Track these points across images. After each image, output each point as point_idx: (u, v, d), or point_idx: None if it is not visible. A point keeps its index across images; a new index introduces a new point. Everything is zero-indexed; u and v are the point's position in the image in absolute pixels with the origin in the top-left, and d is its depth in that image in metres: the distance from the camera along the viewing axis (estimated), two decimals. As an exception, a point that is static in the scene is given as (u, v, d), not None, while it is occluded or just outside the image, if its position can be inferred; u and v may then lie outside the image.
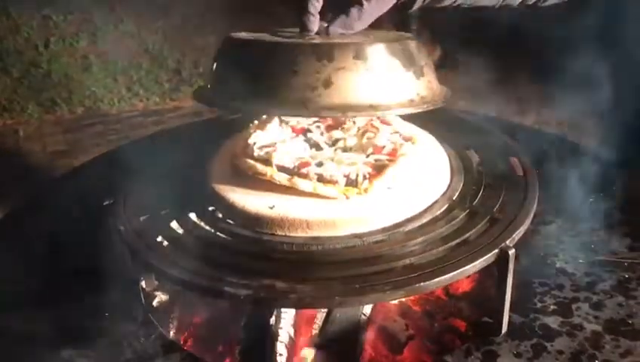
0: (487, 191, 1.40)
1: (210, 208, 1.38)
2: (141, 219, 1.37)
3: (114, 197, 1.44)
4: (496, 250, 1.22)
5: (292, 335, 1.41)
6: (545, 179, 1.52)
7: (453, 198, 1.38)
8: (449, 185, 1.41)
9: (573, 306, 1.35)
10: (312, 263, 1.22)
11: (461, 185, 1.42)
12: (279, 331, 1.39)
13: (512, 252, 1.21)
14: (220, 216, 1.35)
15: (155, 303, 1.48)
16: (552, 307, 1.35)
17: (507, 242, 1.24)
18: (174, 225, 1.35)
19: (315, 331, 1.43)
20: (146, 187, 1.47)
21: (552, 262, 1.49)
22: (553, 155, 1.83)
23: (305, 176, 1.32)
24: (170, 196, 1.44)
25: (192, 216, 1.37)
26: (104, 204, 1.42)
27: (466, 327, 1.47)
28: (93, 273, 1.46)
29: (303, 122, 1.54)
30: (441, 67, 4.59)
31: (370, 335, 1.43)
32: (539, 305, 1.36)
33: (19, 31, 5.06)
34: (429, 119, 1.67)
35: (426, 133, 1.56)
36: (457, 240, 1.25)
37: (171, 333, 1.52)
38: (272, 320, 1.40)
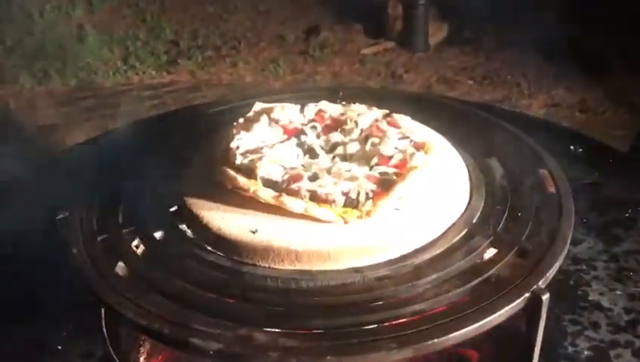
0: (514, 213, 1.13)
1: (182, 227, 1.12)
2: (99, 238, 1.11)
3: (69, 208, 1.17)
4: (527, 294, 0.96)
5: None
6: (572, 187, 1.25)
7: (473, 221, 1.11)
8: (468, 205, 1.14)
9: (612, 353, 1.10)
10: (301, 306, 0.97)
11: (482, 204, 1.15)
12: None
13: (545, 297, 0.96)
14: (193, 237, 1.10)
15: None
16: (586, 352, 1.11)
17: (540, 283, 0.98)
18: (138, 248, 1.09)
19: None
20: (109, 196, 1.21)
21: (584, 293, 1.23)
22: (581, 159, 1.57)
23: (295, 194, 1.06)
24: (135, 209, 1.18)
25: (160, 236, 1.11)
26: (57, 217, 1.16)
27: (478, 358, 1.24)
28: (46, 294, 1.21)
29: (297, 122, 1.27)
30: (449, 45, 4.31)
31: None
32: (570, 349, 1.12)
33: (14, -2, 4.76)
34: (442, 118, 1.41)
35: (440, 137, 1.29)
36: (479, 279, 0.99)
37: (141, 359, 1.29)
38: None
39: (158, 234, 1.11)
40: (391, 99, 1.53)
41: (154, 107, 3.87)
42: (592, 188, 1.45)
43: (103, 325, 1.14)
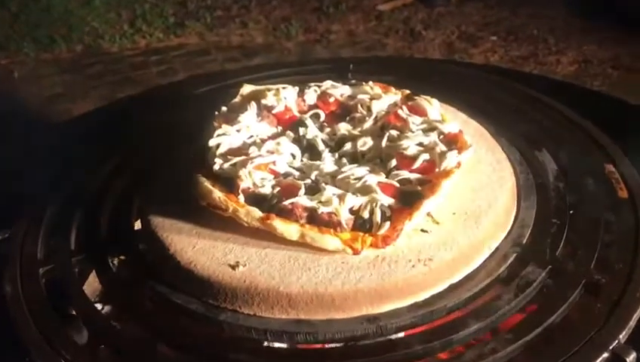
0: (576, 229, 0.83)
1: (145, 254, 0.84)
2: (41, 271, 0.83)
3: (12, 227, 0.90)
4: (605, 354, 0.67)
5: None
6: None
7: (523, 242, 0.82)
8: (515, 219, 0.85)
9: None
10: (296, 373, 0.69)
11: (533, 216, 0.85)
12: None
13: (631, 358, 0.67)
14: (158, 270, 0.82)
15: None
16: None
17: (621, 337, 0.69)
18: (87, 282, 0.82)
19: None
20: (63, 207, 0.94)
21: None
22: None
23: (289, 214, 0.77)
24: (92, 227, 0.90)
25: (117, 267, 0.83)
26: (-5, 239, 0.89)
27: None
28: None
29: (294, 109, 0.97)
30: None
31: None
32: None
33: (20, -39, 4.44)
34: (474, 95, 1.10)
35: (475, 125, 0.99)
36: (536, 331, 0.70)
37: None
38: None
39: (115, 265, 0.83)
40: (409, 70, 1.23)
41: (162, 73, 3.59)
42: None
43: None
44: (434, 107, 0.94)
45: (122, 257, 0.84)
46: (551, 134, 1.02)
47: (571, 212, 0.85)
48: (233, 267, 0.75)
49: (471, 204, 0.82)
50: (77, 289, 0.80)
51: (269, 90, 1.00)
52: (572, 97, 1.18)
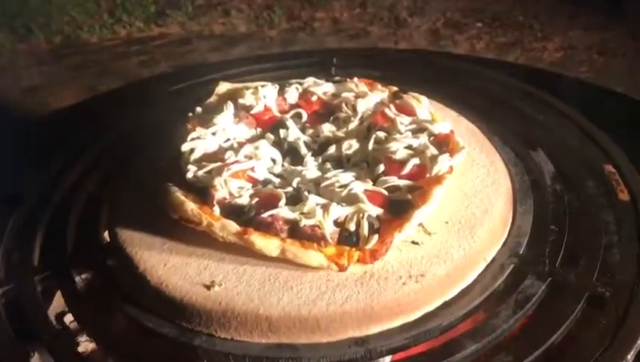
0: (576, 236, 0.77)
1: (114, 272, 0.77)
2: (0, 291, 0.76)
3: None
4: (612, 378, 0.61)
5: None
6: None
7: (521, 252, 0.75)
8: (511, 225, 0.78)
9: None
10: (277, 405, 0.63)
11: (531, 222, 0.79)
12: None
13: (641, 382, 0.61)
14: (127, 290, 0.74)
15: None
16: None
17: (629, 357, 0.63)
18: (53, 304, 0.75)
19: None
20: (24, 222, 0.86)
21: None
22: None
23: (268, 227, 0.70)
24: (58, 240, 0.83)
25: (84, 286, 0.76)
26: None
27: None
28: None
29: (274, 108, 0.90)
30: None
31: None
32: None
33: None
34: (463, 90, 1.03)
35: (467, 123, 0.92)
36: (537, 353, 0.64)
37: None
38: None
39: (82, 283, 0.76)
40: (396, 63, 1.16)
41: (143, 63, 3.49)
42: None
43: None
44: (423, 105, 0.87)
45: (90, 274, 0.77)
46: (546, 132, 0.96)
47: (570, 216, 0.79)
48: (208, 287, 0.68)
49: (465, 212, 0.76)
50: (40, 312, 0.73)
51: (247, 88, 0.93)
52: (560, 88, 1.12)
